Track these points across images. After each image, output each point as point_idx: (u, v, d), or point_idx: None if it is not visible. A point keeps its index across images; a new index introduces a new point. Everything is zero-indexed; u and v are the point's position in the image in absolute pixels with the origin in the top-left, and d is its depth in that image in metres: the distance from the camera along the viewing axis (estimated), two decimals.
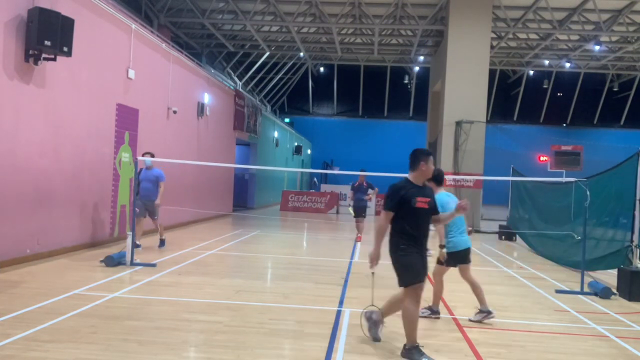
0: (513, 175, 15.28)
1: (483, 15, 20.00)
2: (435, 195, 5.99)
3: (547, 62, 29.06)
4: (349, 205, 14.86)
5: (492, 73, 26.07)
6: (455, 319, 6.49)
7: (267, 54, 28.16)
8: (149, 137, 13.21)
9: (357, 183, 14.46)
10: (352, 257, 11.53)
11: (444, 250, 6.34)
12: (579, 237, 8.94)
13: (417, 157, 5.11)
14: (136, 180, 10.13)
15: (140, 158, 10.34)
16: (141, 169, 10.72)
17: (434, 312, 6.58)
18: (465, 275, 6.62)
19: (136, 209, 10.06)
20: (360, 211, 14.37)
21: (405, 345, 5.05)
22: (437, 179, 6.41)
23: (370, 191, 14.41)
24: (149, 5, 19.93)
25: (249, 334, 5.50)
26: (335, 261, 10.87)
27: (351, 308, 6.79)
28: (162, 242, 11.30)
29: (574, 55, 26.57)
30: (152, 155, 10.63)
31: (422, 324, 6.22)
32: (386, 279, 9.20)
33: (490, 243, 13.65)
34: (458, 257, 6.51)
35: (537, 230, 12.85)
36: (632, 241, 8.45)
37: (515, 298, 8.02)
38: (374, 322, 5.49)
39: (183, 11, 21.10)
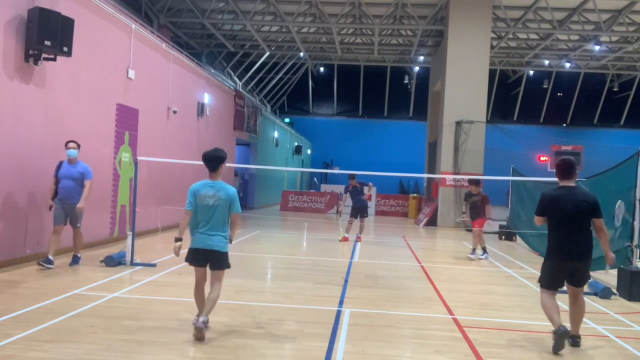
0: (513, 175, 15.27)
1: (483, 15, 20.01)
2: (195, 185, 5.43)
3: (547, 62, 29.07)
4: (341, 208, 14.75)
5: (492, 73, 26.07)
6: (455, 319, 6.48)
7: (267, 54, 28.18)
8: (149, 137, 13.22)
9: (351, 186, 14.41)
10: (352, 257, 11.52)
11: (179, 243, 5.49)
12: None
13: (575, 167, 5.55)
14: (54, 178, 8.57)
15: (69, 154, 8.56)
16: (61, 163, 8.70)
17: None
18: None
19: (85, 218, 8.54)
20: (362, 212, 14.30)
21: (575, 334, 5.49)
22: (211, 165, 5.54)
23: (365, 189, 14.38)
24: (149, 5, 19.93)
25: (249, 334, 5.50)
26: (335, 261, 10.87)
27: (351, 308, 6.78)
28: (76, 259, 8.80)
29: (574, 55, 26.58)
30: (78, 146, 8.66)
31: (422, 324, 6.23)
32: (388, 279, 9.21)
33: (491, 243, 13.62)
34: (194, 257, 5.44)
35: (537, 230, 12.84)
36: (632, 241, 8.45)
37: (515, 298, 8.02)
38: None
39: (183, 11, 21.11)
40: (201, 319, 5.25)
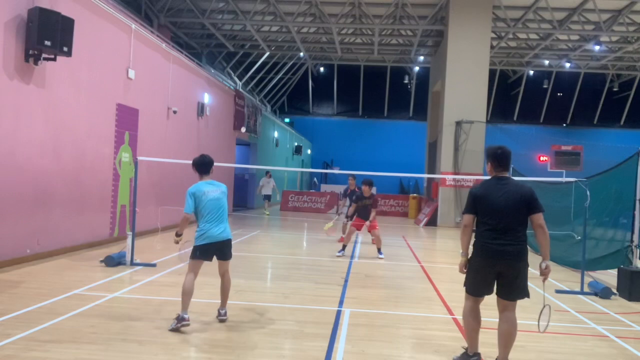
0: (513, 175, 15.27)
1: (483, 15, 20.01)
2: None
3: (547, 62, 29.07)
4: (340, 213, 13.33)
5: (492, 73, 26.08)
6: (455, 319, 6.48)
7: (267, 54, 28.18)
8: (149, 137, 13.22)
9: (355, 190, 12.98)
10: (352, 257, 11.52)
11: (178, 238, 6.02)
12: (579, 237, 8.94)
13: (510, 158, 4.92)
14: None
15: None
16: None
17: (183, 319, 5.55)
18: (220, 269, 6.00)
19: None
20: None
21: None
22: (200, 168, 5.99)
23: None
24: (149, 5, 19.93)
25: (249, 334, 5.50)
26: (335, 261, 10.87)
27: (351, 308, 6.78)
28: None
29: (574, 55, 26.58)
30: None
31: (422, 324, 6.23)
32: (388, 279, 9.21)
33: None
34: (205, 251, 5.78)
35: None
36: (632, 241, 8.45)
37: None
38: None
39: (183, 11, 21.11)
40: (223, 310, 5.92)
